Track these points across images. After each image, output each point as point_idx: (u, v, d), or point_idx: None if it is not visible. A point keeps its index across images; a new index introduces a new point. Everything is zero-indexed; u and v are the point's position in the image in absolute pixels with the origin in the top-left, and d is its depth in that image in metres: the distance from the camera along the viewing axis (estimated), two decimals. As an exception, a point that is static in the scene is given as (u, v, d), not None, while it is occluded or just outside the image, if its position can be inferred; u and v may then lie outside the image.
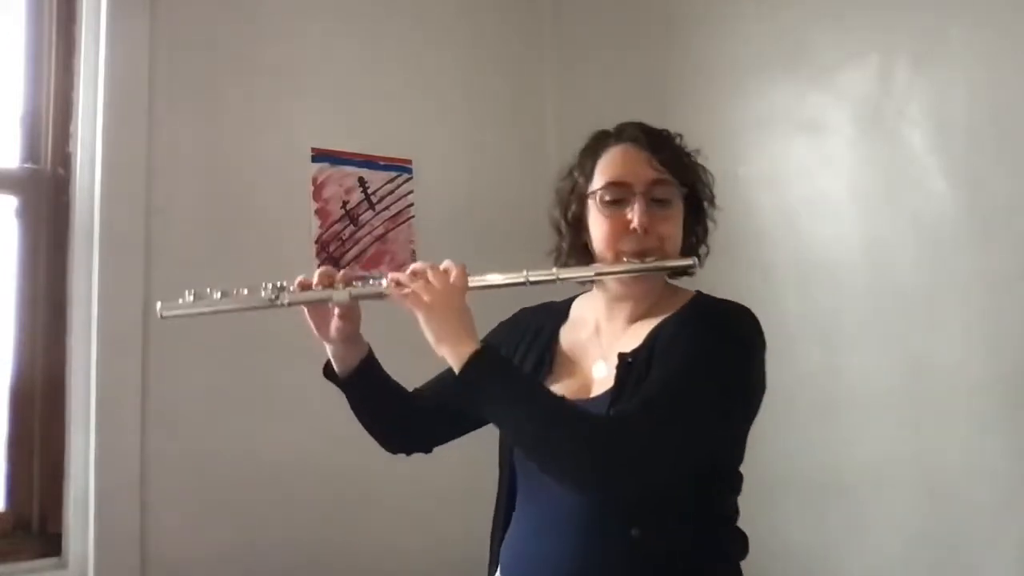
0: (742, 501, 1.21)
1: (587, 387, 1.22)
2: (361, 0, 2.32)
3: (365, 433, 1.39)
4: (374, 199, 2.27)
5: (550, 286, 1.23)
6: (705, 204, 1.27)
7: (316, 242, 2.16)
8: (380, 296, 1.19)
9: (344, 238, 2.21)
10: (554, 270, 1.22)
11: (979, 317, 1.63)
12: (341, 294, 1.20)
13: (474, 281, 1.19)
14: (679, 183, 1.21)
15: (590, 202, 1.23)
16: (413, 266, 1.19)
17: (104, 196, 1.89)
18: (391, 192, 2.30)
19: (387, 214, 2.29)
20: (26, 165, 1.89)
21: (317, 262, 2.15)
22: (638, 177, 1.19)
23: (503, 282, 1.21)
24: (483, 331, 1.37)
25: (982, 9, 1.64)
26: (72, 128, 1.92)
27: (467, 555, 2.02)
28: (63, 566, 1.82)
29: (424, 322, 1.15)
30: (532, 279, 1.20)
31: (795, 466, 1.81)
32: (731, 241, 2.02)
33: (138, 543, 1.85)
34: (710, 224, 1.29)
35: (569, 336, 1.30)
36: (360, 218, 2.24)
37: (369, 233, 2.25)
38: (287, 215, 2.13)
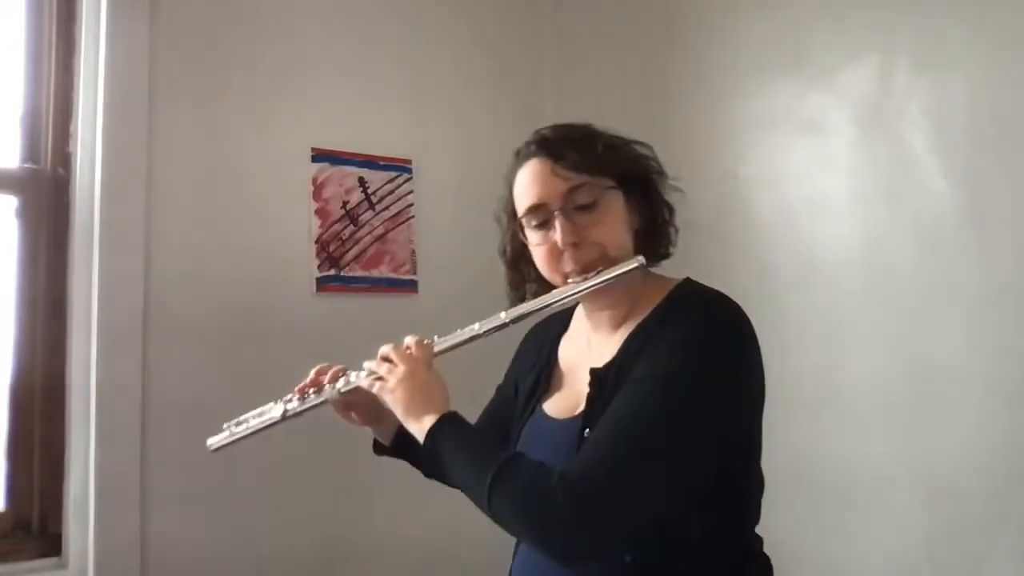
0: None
1: (577, 403, 1.13)
2: (361, 0, 2.32)
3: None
4: (374, 199, 2.27)
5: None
6: (655, 177, 1.16)
7: (316, 242, 2.16)
8: (359, 388, 1.23)
9: (344, 238, 2.21)
10: (502, 315, 1.18)
11: (979, 317, 1.62)
12: (332, 393, 1.27)
13: (437, 345, 1.19)
14: (601, 177, 1.11)
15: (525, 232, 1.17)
16: (381, 351, 1.19)
17: (104, 196, 1.89)
18: (391, 192, 2.30)
19: (387, 214, 2.29)
20: (26, 165, 1.89)
21: (317, 262, 2.15)
22: (550, 194, 1.10)
23: (463, 339, 1.19)
24: (492, 364, 1.40)
25: (982, 9, 1.64)
26: (72, 128, 1.92)
27: (472, 558, 2.02)
28: (63, 566, 1.82)
29: (390, 404, 1.14)
30: (481, 330, 1.18)
31: (795, 466, 1.81)
32: (731, 241, 2.05)
33: (138, 543, 1.85)
34: (676, 196, 1.18)
35: (567, 349, 1.26)
36: (360, 218, 2.24)
37: (369, 233, 2.25)
38: (287, 215, 2.14)
